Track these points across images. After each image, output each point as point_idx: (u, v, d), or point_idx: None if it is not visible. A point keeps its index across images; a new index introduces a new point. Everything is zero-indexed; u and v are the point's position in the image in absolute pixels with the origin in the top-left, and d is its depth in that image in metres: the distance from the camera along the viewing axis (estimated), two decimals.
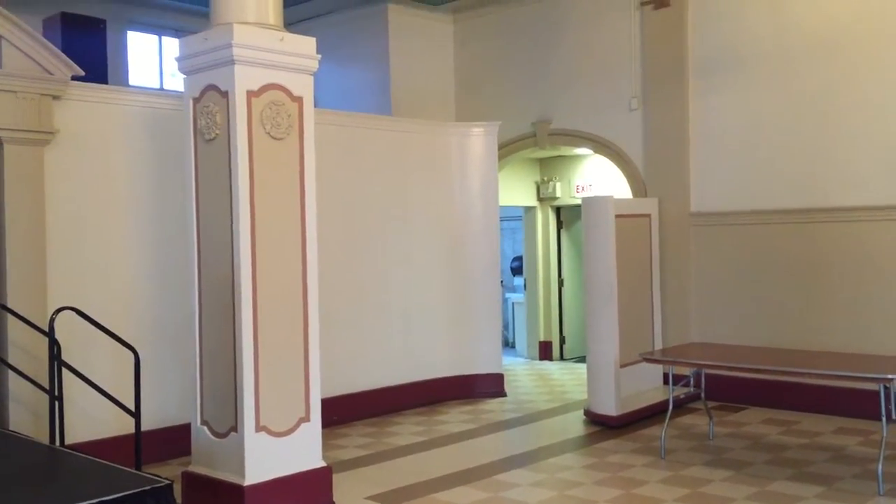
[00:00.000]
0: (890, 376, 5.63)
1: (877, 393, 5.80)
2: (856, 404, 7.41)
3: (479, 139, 9.24)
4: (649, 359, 7.22)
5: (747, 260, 8.47)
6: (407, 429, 7.85)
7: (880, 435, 5.77)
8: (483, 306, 9.16)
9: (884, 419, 5.72)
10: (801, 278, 8.10)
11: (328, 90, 10.72)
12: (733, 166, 8.59)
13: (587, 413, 8.06)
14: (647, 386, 8.39)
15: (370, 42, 10.65)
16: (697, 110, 8.85)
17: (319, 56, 5.60)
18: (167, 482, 3.81)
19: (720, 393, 8.17)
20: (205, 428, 5.51)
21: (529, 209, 12.07)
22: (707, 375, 7.19)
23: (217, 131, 5.32)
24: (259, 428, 5.27)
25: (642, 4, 9.15)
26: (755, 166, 8.43)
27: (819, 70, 7.99)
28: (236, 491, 5.20)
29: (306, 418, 5.51)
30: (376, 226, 8.50)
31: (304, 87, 5.53)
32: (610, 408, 7.76)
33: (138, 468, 5.28)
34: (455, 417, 8.28)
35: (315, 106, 5.68)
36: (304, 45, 5.52)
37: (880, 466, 5.67)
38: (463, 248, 9.13)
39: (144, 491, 3.69)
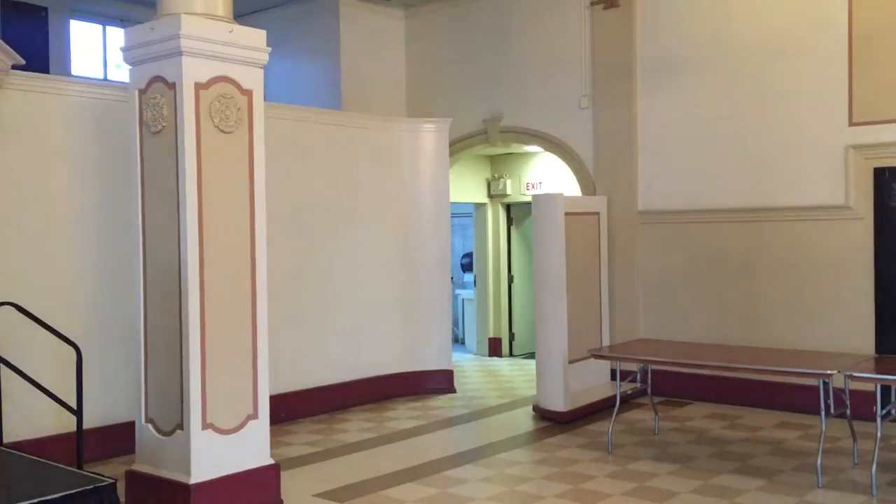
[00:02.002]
0: (829, 372, 5.78)
1: (817, 388, 5.95)
2: (796, 399, 7.61)
3: (430, 135, 9.24)
4: (597, 355, 7.31)
5: (693, 258, 8.63)
6: (356, 425, 7.81)
7: (819, 429, 5.93)
8: (433, 303, 9.17)
9: (823, 414, 5.88)
10: (745, 276, 8.28)
11: (278, 83, 10.61)
12: (680, 166, 8.73)
13: (536, 409, 8.13)
14: (596, 382, 8.49)
15: (321, 36, 10.56)
16: (645, 110, 8.98)
17: (270, 49, 5.53)
18: (110, 481, 3.74)
19: (666, 388, 8.32)
20: (149, 426, 5.40)
21: (480, 206, 12.11)
22: (653, 371, 7.30)
23: (164, 124, 5.21)
24: (205, 425, 5.19)
25: (592, 4, 9.24)
26: (701, 166, 8.58)
27: (761, 73, 8.17)
28: (182, 489, 5.12)
29: (254, 415, 5.44)
30: (326, 221, 8.44)
31: (253, 80, 5.45)
32: (558, 403, 7.84)
33: (80, 467, 5.16)
34: (404, 414, 8.27)
35: (265, 99, 5.60)
36: (254, 38, 5.44)
37: (819, 460, 5.82)
38: (413, 244, 9.12)
39: (86, 490, 3.62)
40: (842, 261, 7.70)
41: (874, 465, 5.62)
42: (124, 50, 5.46)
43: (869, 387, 5.93)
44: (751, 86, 8.24)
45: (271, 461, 5.56)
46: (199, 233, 5.16)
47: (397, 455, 6.80)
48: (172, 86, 5.15)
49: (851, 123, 7.66)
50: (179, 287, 5.16)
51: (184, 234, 5.13)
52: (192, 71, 5.13)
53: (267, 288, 5.54)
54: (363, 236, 8.78)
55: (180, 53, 5.07)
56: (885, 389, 5.88)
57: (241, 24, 5.40)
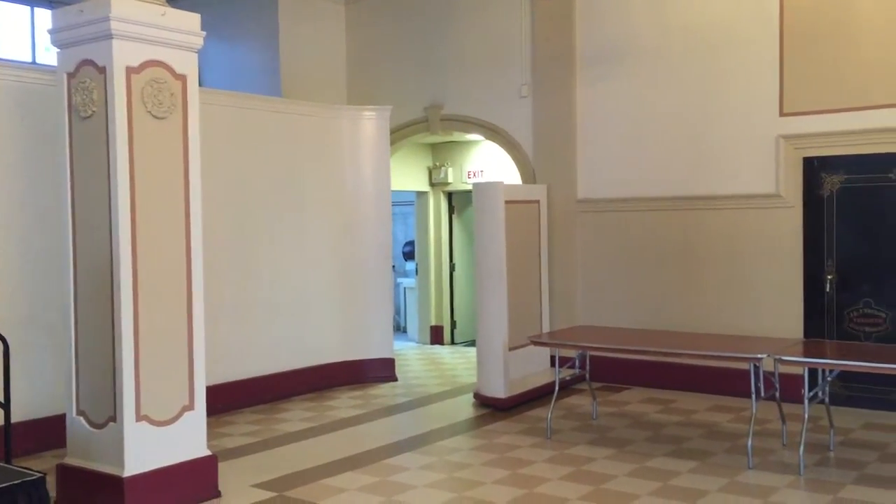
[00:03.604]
0: (759, 356, 5.95)
1: (748, 372, 6.12)
2: (729, 383, 7.81)
3: (370, 123, 9.18)
4: (537, 342, 7.38)
5: (631, 245, 8.77)
6: (295, 415, 7.76)
7: (750, 412, 6.10)
8: (374, 291, 9.14)
9: (754, 396, 6.05)
10: (680, 263, 8.45)
11: (215, 70, 10.42)
12: (619, 154, 8.85)
13: (477, 396, 8.18)
14: (536, 368, 8.58)
15: (259, 21, 10.40)
16: (585, 99, 9.07)
17: (204, 33, 5.42)
18: (39, 475, 3.65)
19: (604, 374, 8.45)
20: (81, 418, 5.27)
21: (421, 194, 12.10)
22: (592, 357, 7.41)
23: (94, 108, 5.07)
24: (140, 417, 5.09)
25: None
26: (639, 155, 8.71)
27: (696, 65, 8.32)
28: (115, 483, 5.01)
29: (190, 406, 5.36)
30: (265, 210, 8.33)
31: (187, 64, 5.34)
32: (499, 390, 7.90)
33: (8, 461, 5.02)
34: (345, 403, 8.25)
35: (201, 85, 5.50)
36: (188, 21, 5.33)
37: (750, 441, 5.99)
38: (354, 232, 9.07)
39: (14, 485, 3.52)
40: (773, 248, 7.91)
41: (801, 446, 5.80)
42: (52, 32, 5.29)
43: (798, 370, 6.12)
44: (688, 76, 8.39)
45: (208, 452, 5.48)
46: (131, 222, 5.04)
47: (338, 444, 6.77)
48: (103, 69, 5.02)
49: (782, 114, 7.86)
50: (111, 278, 5.04)
51: (115, 223, 5.01)
52: (123, 54, 5.00)
53: (203, 278, 5.44)
54: (304, 225, 8.69)
55: (111, 36, 4.94)
56: (813, 372, 6.09)
57: (175, 7, 5.28)
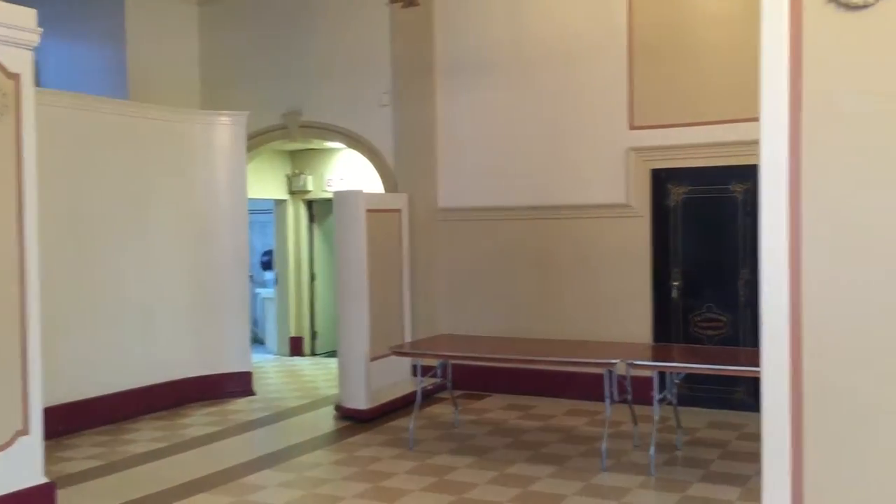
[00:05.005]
0: (613, 361, 6.14)
1: (602, 376, 6.30)
2: (585, 387, 8.02)
3: (226, 129, 8.87)
4: (398, 352, 7.33)
5: (491, 254, 8.88)
6: (145, 435, 7.35)
7: (605, 415, 6.28)
8: (230, 302, 8.82)
9: (608, 400, 6.24)
10: (539, 271, 8.64)
11: (56, 70, 9.77)
12: (478, 164, 8.95)
13: (338, 408, 8.03)
14: (398, 378, 8.52)
15: (104, 18, 9.82)
16: (445, 109, 9.13)
17: (41, 30, 5.06)
18: None
19: (466, 382, 8.49)
20: None
21: (280, 202, 11.82)
22: (453, 366, 7.43)
23: None
24: None
25: (391, 2, 9.25)
26: (498, 164, 8.84)
27: (553, 77, 8.54)
28: None
29: (24, 431, 4.96)
30: (113, 219, 7.87)
31: (22, 62, 4.97)
32: (360, 402, 7.79)
33: None
34: (199, 420, 7.89)
35: (38, 85, 5.12)
36: (22, 17, 4.96)
37: (604, 444, 6.17)
38: (209, 241, 8.72)
39: None
40: (624, 256, 8.22)
41: (652, 447, 6.03)
42: None
43: (648, 373, 6.36)
44: (545, 88, 8.59)
45: (45, 479, 5.10)
46: None
47: (191, 464, 6.46)
48: None
49: (632, 127, 8.19)
50: None
51: None
52: None
53: (40, 290, 5.06)
54: (155, 234, 8.28)
55: None
56: (662, 375, 6.34)
57: (8, 1, 4.89)
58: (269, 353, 11.94)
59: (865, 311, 2.54)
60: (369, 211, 8.06)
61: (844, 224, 2.56)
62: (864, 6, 2.50)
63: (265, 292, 12.65)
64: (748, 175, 7.38)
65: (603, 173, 8.32)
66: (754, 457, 5.97)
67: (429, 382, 7.45)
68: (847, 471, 2.57)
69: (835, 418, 2.58)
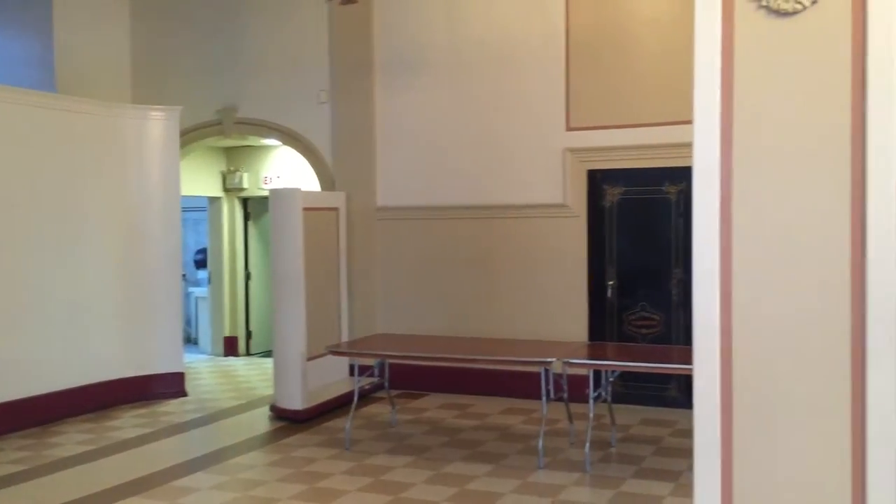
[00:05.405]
0: (549, 360, 6.20)
1: (538, 375, 6.35)
2: (522, 386, 8.07)
3: (158, 124, 8.66)
4: (335, 351, 7.28)
5: (429, 253, 8.87)
6: (72, 438, 7.12)
7: (541, 413, 6.34)
8: (162, 301, 8.61)
9: (544, 398, 6.29)
10: (478, 270, 8.66)
11: None
12: (418, 163, 8.94)
13: (273, 409, 7.92)
14: (335, 378, 8.45)
15: (30, 7, 9.47)
16: (385, 107, 9.08)
17: None
18: None
19: (403, 381, 8.47)
20: None
21: (215, 200, 11.61)
22: (391, 365, 7.40)
23: None
24: None
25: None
26: (437, 163, 8.84)
27: (492, 77, 8.57)
28: None
29: None
30: (38, 215, 7.61)
31: None
32: (296, 402, 7.70)
33: None
34: (129, 422, 7.69)
35: None
36: None
37: (541, 442, 6.22)
38: (140, 239, 8.51)
39: None
40: (561, 256, 8.30)
41: (587, 444, 6.11)
42: None
43: (584, 372, 6.43)
44: (484, 88, 8.62)
45: None
46: None
47: (120, 467, 6.29)
48: None
49: (568, 128, 8.28)
50: None
51: None
52: None
53: None
54: (83, 231, 8.03)
55: None
56: (597, 373, 6.42)
57: None
58: (203, 353, 11.71)
59: (792, 310, 2.61)
60: (306, 209, 7.97)
61: (773, 225, 2.62)
62: (794, 13, 2.57)
63: (199, 291, 12.40)
64: (682, 176, 7.54)
65: (540, 174, 8.39)
66: (686, 452, 6.11)
67: (366, 382, 7.41)
68: (774, 464, 2.63)
69: (762, 414, 2.64)
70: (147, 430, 7.39)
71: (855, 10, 2.50)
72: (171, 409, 8.21)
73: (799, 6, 2.55)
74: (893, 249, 2.46)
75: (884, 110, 2.46)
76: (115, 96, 9.63)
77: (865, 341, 2.50)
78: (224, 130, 9.89)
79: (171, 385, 8.69)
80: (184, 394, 8.76)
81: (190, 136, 9.80)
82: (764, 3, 2.59)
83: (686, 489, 5.39)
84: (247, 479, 6.00)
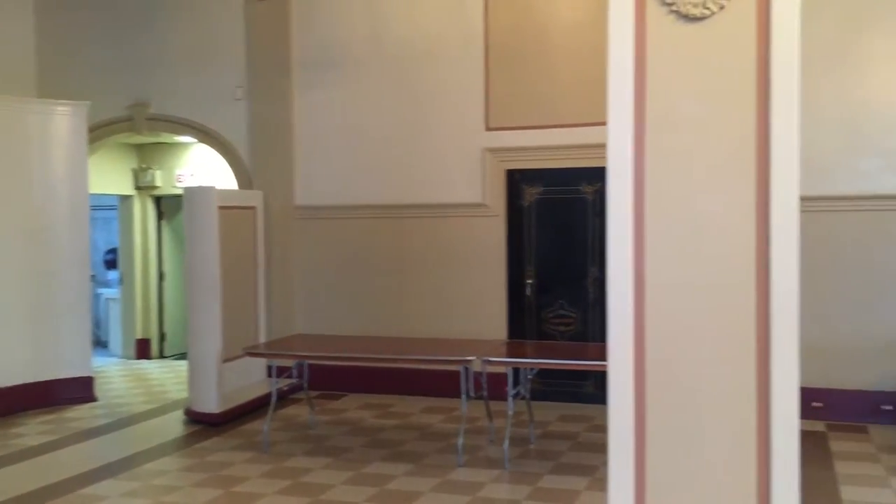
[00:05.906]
0: (469, 358, 6.23)
1: (458, 373, 6.38)
2: (442, 385, 8.09)
3: (64, 119, 8.34)
4: (252, 353, 7.15)
5: (349, 252, 8.81)
6: None
7: (461, 411, 6.36)
8: (70, 303, 8.31)
9: (464, 397, 6.32)
10: (397, 270, 8.64)
11: None
12: (336, 161, 8.85)
13: (188, 412, 7.73)
14: (252, 380, 8.30)
15: None
16: (303, 105, 8.96)
17: None
18: None
19: (323, 382, 8.38)
20: None
21: (126, 198, 11.25)
22: (310, 366, 7.31)
23: None
24: None
25: None
26: (355, 162, 8.78)
27: (411, 76, 8.56)
28: None
29: None
30: None
31: None
32: (212, 405, 7.53)
33: None
34: (33, 429, 7.38)
35: None
36: None
37: (461, 440, 6.25)
38: (45, 239, 8.18)
39: None
40: (481, 255, 8.36)
41: (506, 441, 6.16)
42: None
43: (503, 370, 6.49)
44: (403, 87, 8.60)
45: None
46: None
47: (23, 476, 6.03)
48: None
49: (488, 128, 8.34)
50: None
51: None
52: None
53: None
54: None
55: None
56: (516, 371, 6.49)
57: None
58: (114, 356, 11.34)
59: (701, 308, 2.68)
60: (222, 208, 7.80)
61: (684, 225, 2.69)
62: (702, 18, 2.64)
63: (109, 292, 12.00)
64: (598, 177, 7.63)
65: (460, 173, 8.42)
66: (602, 447, 6.21)
67: (284, 383, 7.30)
68: (685, 458, 2.70)
69: (674, 408, 2.70)
70: (53, 437, 7.11)
71: (760, 17, 2.58)
72: (80, 415, 7.92)
73: (707, 11, 2.62)
74: (795, 246, 2.56)
75: (786, 113, 2.56)
76: (18, 90, 9.22)
77: (770, 335, 2.59)
78: (135, 127, 9.59)
79: (79, 390, 8.38)
80: (93, 399, 8.46)
81: (99, 133, 9.47)
82: (674, 8, 2.65)
83: (602, 483, 5.48)
84: (159, 485, 5.83)
